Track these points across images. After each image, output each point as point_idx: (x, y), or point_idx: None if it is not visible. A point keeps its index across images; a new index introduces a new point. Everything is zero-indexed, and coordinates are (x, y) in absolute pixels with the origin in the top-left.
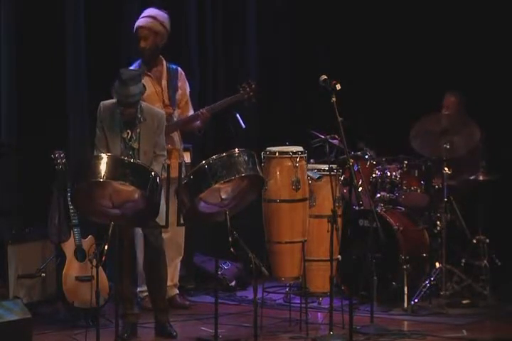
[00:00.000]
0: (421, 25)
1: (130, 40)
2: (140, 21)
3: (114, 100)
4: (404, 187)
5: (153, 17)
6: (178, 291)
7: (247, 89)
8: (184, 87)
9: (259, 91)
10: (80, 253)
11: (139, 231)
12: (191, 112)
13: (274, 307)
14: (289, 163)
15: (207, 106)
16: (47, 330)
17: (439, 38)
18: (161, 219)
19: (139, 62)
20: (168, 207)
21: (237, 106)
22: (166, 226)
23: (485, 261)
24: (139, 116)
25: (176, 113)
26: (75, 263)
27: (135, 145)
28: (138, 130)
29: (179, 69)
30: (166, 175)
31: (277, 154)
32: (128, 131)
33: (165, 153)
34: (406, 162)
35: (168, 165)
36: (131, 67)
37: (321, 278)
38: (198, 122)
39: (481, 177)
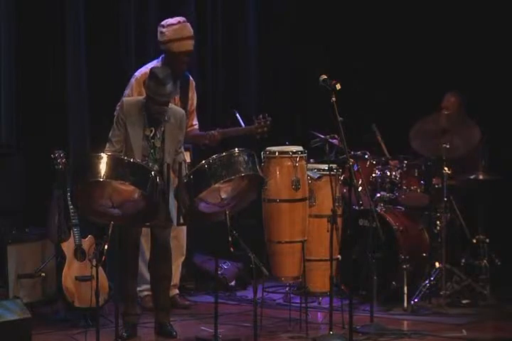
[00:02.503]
0: (421, 26)
1: (130, 40)
2: (187, 44)
3: (138, 97)
4: (404, 187)
5: (194, 37)
6: (178, 291)
7: (262, 123)
8: (193, 97)
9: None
10: (79, 253)
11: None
12: (195, 122)
13: (274, 307)
14: (289, 163)
15: (219, 128)
16: (47, 330)
17: (439, 38)
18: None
19: (160, 60)
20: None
21: (237, 106)
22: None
23: (485, 261)
24: (165, 115)
25: None
26: (74, 263)
27: (157, 144)
28: (162, 129)
29: (190, 78)
30: (183, 172)
31: (277, 154)
32: (152, 128)
33: (182, 149)
34: (406, 162)
35: (183, 163)
36: (149, 66)
37: (321, 278)
38: (206, 141)
39: (481, 177)
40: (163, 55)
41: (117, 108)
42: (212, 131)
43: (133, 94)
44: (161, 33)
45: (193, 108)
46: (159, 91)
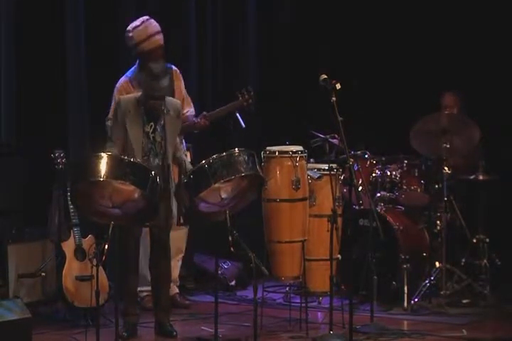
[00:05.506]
0: (421, 25)
1: None
2: (157, 39)
3: (134, 94)
4: (404, 187)
5: (161, 31)
6: (178, 290)
7: (246, 96)
8: (180, 85)
9: (257, 99)
10: (80, 253)
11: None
12: (191, 108)
13: (274, 307)
14: (289, 163)
15: (205, 112)
16: (47, 330)
17: (439, 38)
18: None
19: (136, 65)
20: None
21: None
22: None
23: (485, 261)
24: (163, 108)
25: None
26: (74, 262)
27: (158, 139)
28: (162, 122)
29: (173, 67)
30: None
31: (277, 154)
32: (151, 123)
33: (184, 148)
34: (406, 161)
35: (183, 163)
36: (129, 74)
37: (321, 278)
38: (196, 131)
39: (480, 177)
40: (138, 60)
41: (107, 121)
42: (199, 119)
43: None
44: (129, 37)
45: (183, 96)
46: (153, 85)
